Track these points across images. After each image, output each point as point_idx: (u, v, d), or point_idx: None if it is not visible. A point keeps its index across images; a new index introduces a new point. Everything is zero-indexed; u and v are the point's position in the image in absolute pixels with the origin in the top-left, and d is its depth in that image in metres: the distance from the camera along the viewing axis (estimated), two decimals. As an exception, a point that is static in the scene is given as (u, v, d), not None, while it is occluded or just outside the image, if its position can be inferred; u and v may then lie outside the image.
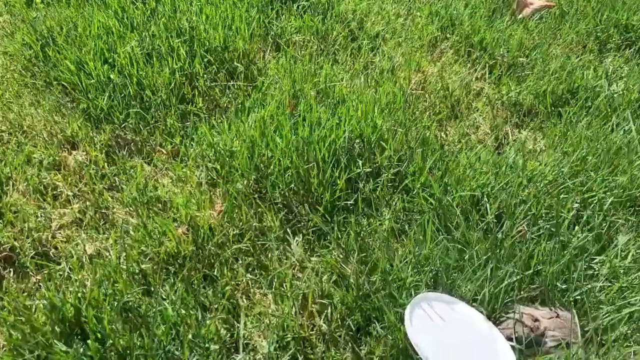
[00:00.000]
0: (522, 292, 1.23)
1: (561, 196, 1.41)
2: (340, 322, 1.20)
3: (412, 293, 1.23)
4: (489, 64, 1.92)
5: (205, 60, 1.83)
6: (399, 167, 1.49)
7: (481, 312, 1.20)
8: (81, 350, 1.13)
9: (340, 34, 2.00)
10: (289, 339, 1.17)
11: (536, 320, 1.16)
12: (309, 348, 1.18)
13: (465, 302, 1.22)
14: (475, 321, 1.19)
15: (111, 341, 1.12)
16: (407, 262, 1.27)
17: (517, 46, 1.96)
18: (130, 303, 1.21)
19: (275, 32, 1.98)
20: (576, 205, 1.39)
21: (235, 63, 1.84)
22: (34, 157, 1.56)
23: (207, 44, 1.85)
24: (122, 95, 1.69)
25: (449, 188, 1.43)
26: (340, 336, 1.19)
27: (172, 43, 1.83)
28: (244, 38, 1.91)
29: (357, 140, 1.55)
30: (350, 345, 1.18)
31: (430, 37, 2.02)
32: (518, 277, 1.22)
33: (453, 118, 1.74)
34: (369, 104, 1.62)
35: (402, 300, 1.20)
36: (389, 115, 1.61)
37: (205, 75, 1.80)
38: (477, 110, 1.77)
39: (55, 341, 1.15)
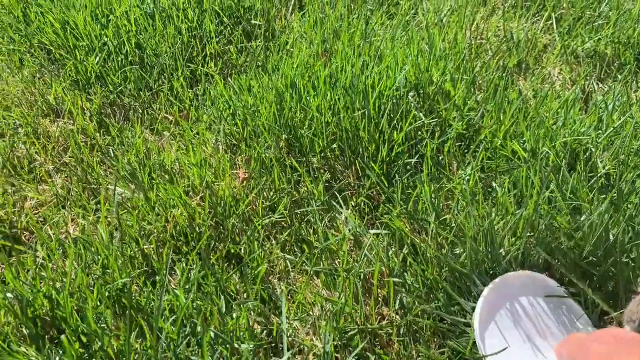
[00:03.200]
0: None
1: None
2: (417, 310, 0.85)
3: (512, 264, 0.88)
4: (553, 16, 1.61)
5: (217, 20, 1.53)
6: (469, 118, 1.16)
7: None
8: (57, 358, 0.79)
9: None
10: (352, 334, 0.82)
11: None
12: (379, 346, 0.83)
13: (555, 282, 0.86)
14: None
15: (99, 343, 0.78)
16: (502, 226, 0.92)
17: (584, -4, 1.65)
18: (126, 291, 0.87)
19: (298, -10, 1.69)
20: None
21: (253, 21, 1.54)
22: (7, 128, 1.24)
23: (219, 1, 1.55)
24: (118, 58, 1.39)
25: (540, 140, 1.09)
26: (421, 329, 0.84)
27: (177, 3, 1.54)
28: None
29: (412, 93, 1.23)
30: (435, 340, 0.83)
31: (478, -8, 1.72)
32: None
33: (522, 72, 1.43)
34: (423, 53, 1.31)
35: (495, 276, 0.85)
36: (446, 65, 1.29)
37: (217, 36, 1.49)
38: (550, 63, 1.45)
39: (22, 347, 0.81)
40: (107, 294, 0.84)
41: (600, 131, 1.10)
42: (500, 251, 0.89)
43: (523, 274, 0.86)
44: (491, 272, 0.88)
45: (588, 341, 0.48)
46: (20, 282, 0.85)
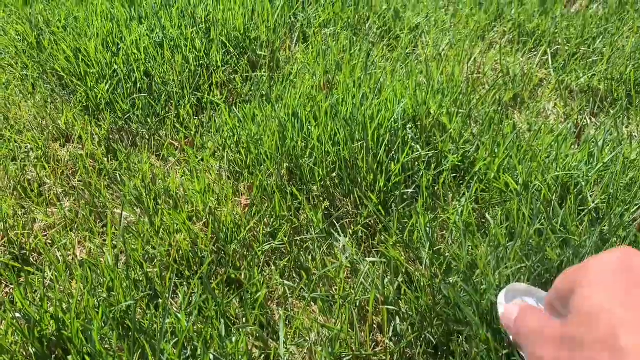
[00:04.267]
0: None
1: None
2: (412, 338, 0.88)
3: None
4: (549, 51, 1.67)
5: (224, 50, 1.59)
6: (465, 150, 1.20)
7: None
8: (61, 377, 0.82)
9: (375, 24, 1.77)
10: (347, 359, 0.85)
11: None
12: (373, 373, 0.86)
13: None
14: None
15: (103, 364, 0.81)
16: (493, 258, 0.96)
17: (580, 33, 1.71)
18: (130, 314, 0.91)
19: (302, 22, 1.75)
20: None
21: (258, 52, 1.59)
22: (19, 150, 1.28)
23: (226, 32, 1.61)
24: (127, 85, 1.44)
25: (533, 174, 1.13)
26: (414, 356, 0.87)
27: (186, 33, 1.60)
28: (267, 26, 1.67)
29: (410, 125, 1.27)
30: (428, 368, 0.86)
31: (477, 27, 1.78)
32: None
33: (518, 105, 1.47)
34: (421, 86, 1.35)
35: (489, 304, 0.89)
36: (443, 98, 1.34)
37: (224, 66, 1.55)
38: (545, 97, 1.50)
39: (27, 366, 0.84)
40: (111, 315, 0.87)
41: (590, 166, 1.14)
42: (492, 280, 0.92)
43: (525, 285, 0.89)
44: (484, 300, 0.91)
45: (588, 284, 0.30)
46: (29, 303, 0.88)
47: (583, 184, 1.11)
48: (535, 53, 1.69)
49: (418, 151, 1.18)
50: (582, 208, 1.07)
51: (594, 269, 0.32)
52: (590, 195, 1.09)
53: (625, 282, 0.29)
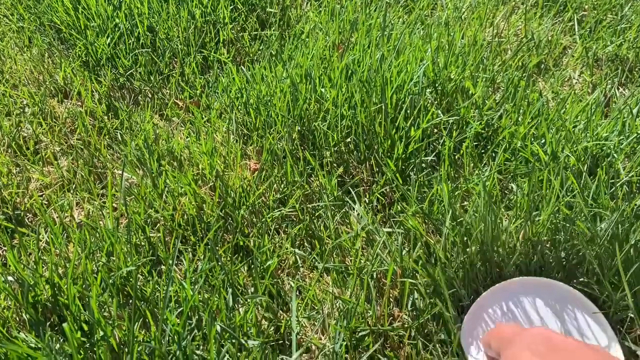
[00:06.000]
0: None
1: None
2: (430, 313, 0.82)
3: (522, 268, 0.86)
4: (575, 17, 1.58)
5: (232, 7, 1.50)
6: (488, 118, 1.13)
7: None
8: (57, 345, 0.76)
9: (392, -16, 1.67)
10: (362, 334, 0.80)
11: None
12: (389, 349, 0.81)
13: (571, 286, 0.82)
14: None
15: (102, 332, 0.75)
16: (517, 230, 0.90)
17: (608, 0, 1.62)
18: (131, 281, 0.85)
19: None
20: None
21: (268, 9, 1.50)
22: (14, 106, 1.21)
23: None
24: (129, 40, 1.35)
25: (561, 143, 1.06)
26: (432, 333, 0.82)
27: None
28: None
29: (429, 90, 1.20)
30: (445, 348, 0.80)
31: (499, -10, 1.68)
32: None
33: (542, 73, 1.39)
34: (441, 50, 1.27)
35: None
36: (465, 62, 1.26)
37: (231, 23, 1.46)
38: (570, 65, 1.42)
39: (21, 333, 0.79)
40: (110, 282, 0.81)
41: (622, 137, 1.07)
42: (511, 255, 0.86)
43: (526, 279, 0.83)
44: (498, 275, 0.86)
45: (519, 344, 0.42)
46: (22, 266, 0.82)
47: (615, 155, 1.04)
48: (560, 19, 1.61)
49: (439, 116, 1.10)
50: (613, 181, 1.00)
51: (523, 336, 0.42)
52: (623, 168, 1.02)
53: (545, 347, 0.40)
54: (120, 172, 1.07)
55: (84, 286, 0.81)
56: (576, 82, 1.38)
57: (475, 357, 0.76)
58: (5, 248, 0.95)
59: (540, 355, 0.39)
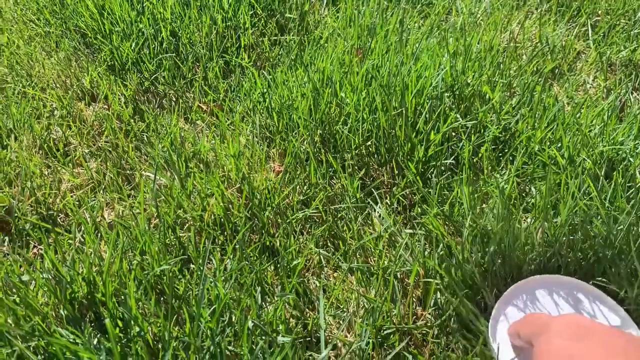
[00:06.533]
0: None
1: None
2: (452, 313, 0.85)
3: (540, 268, 0.88)
4: (589, 22, 1.60)
5: (252, 12, 1.53)
6: (506, 122, 1.15)
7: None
8: (95, 341, 0.80)
9: (408, -11, 1.70)
10: (387, 332, 0.83)
11: None
12: (413, 346, 0.84)
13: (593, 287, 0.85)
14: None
15: (138, 328, 0.79)
16: (533, 231, 0.92)
17: (622, 5, 1.64)
18: (164, 278, 0.88)
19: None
20: None
21: (287, 14, 1.54)
22: (44, 109, 1.25)
23: (254, -7, 1.55)
24: (153, 45, 1.39)
25: (577, 148, 1.09)
26: (453, 332, 0.84)
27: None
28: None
29: (447, 94, 1.23)
30: (466, 346, 0.83)
31: (513, -5, 1.71)
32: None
33: (556, 78, 1.42)
34: (458, 55, 1.30)
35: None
36: (482, 67, 1.29)
37: (252, 27, 1.49)
38: (585, 70, 1.44)
39: (59, 328, 0.82)
40: (146, 280, 0.85)
41: (638, 141, 1.10)
42: (530, 255, 0.89)
43: (547, 277, 0.86)
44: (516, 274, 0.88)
45: (551, 331, 0.43)
46: (61, 264, 0.86)
47: (631, 160, 1.06)
48: (574, 24, 1.63)
49: (457, 120, 1.13)
50: (630, 185, 1.02)
51: (553, 323, 0.45)
52: (639, 172, 1.04)
53: (576, 333, 0.41)
54: (147, 173, 1.10)
55: (120, 283, 0.84)
56: (590, 87, 1.40)
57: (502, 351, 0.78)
58: (41, 247, 0.98)
59: (572, 341, 0.41)
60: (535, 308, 0.83)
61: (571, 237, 0.91)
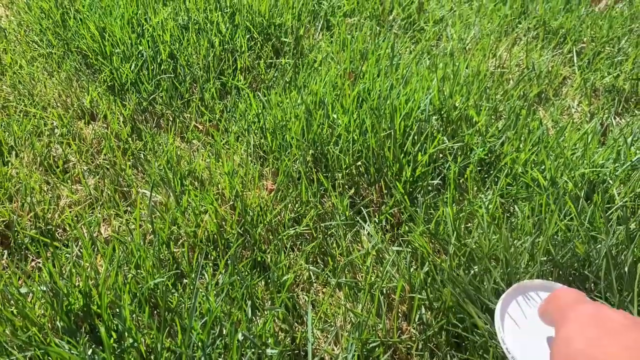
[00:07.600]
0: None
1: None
2: (436, 328, 0.88)
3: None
4: (574, 49, 1.66)
5: (248, 36, 1.58)
6: (491, 144, 1.20)
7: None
8: (90, 351, 0.82)
9: (399, 15, 1.76)
10: (373, 346, 0.86)
11: None
12: (397, 359, 0.87)
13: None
14: None
15: (131, 340, 0.81)
16: (518, 251, 0.96)
17: (605, 32, 1.70)
18: (158, 292, 0.91)
19: (326, 10, 1.74)
20: None
21: (282, 38, 1.59)
22: (44, 127, 1.29)
23: (250, 18, 1.60)
24: (152, 66, 1.44)
25: (560, 170, 1.13)
26: (438, 346, 0.87)
27: (211, 17, 1.59)
28: (292, 14, 1.66)
29: (435, 117, 1.27)
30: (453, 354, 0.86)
31: (502, 22, 1.77)
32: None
33: (542, 102, 1.47)
34: (447, 79, 1.35)
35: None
36: (469, 91, 1.34)
37: (248, 51, 1.54)
38: (569, 95, 1.49)
39: (55, 339, 0.84)
40: (140, 293, 0.88)
41: (618, 164, 1.14)
42: (515, 272, 0.92)
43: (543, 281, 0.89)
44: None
45: (572, 325, 0.41)
46: (59, 276, 0.89)
47: (610, 181, 1.10)
48: (560, 51, 1.69)
49: (445, 142, 1.17)
50: (609, 205, 1.06)
51: (576, 315, 0.41)
52: (618, 194, 1.08)
53: (598, 330, 0.39)
54: (144, 190, 1.14)
55: (115, 296, 0.87)
56: (575, 112, 1.45)
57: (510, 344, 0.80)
58: (39, 260, 1.01)
59: (592, 339, 0.38)
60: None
61: (552, 258, 0.94)
